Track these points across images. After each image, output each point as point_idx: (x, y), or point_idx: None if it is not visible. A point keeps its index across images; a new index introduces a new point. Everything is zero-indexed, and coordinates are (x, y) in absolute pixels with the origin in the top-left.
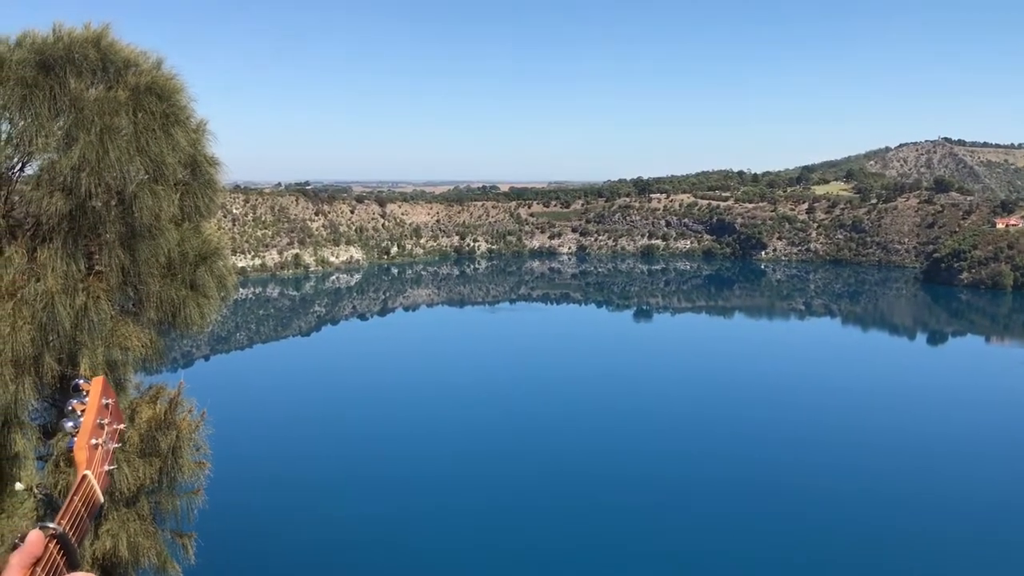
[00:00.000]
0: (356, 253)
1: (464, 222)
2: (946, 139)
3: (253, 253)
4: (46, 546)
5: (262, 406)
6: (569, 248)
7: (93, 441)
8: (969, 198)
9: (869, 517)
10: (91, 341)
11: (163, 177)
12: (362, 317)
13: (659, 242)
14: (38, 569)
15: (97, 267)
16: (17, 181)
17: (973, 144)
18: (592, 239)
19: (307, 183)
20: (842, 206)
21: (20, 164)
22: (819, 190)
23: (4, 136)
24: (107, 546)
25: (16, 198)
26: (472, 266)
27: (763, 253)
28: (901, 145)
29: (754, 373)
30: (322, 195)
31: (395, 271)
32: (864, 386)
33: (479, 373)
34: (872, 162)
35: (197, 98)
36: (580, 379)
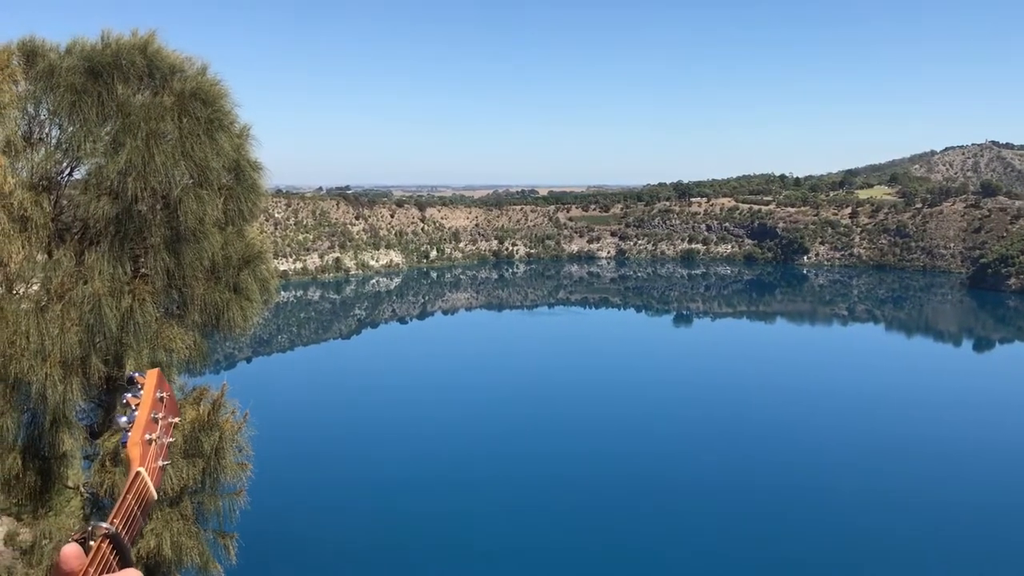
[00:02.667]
0: (396, 257)
1: (503, 226)
2: (993, 142)
3: (295, 257)
4: (99, 545)
5: (303, 408)
6: (608, 252)
7: (147, 436)
8: (1017, 202)
9: (918, 527)
10: (136, 343)
11: (207, 181)
12: (402, 320)
13: (699, 246)
14: (91, 570)
15: (143, 270)
16: (66, 185)
17: (1022, 147)
18: (631, 243)
19: (348, 187)
20: (886, 210)
21: (69, 169)
22: (862, 194)
23: (54, 141)
24: (151, 545)
25: (65, 202)
26: (511, 270)
27: (805, 258)
28: (946, 148)
29: (795, 377)
30: (362, 199)
31: (434, 275)
32: (908, 393)
33: (517, 376)
34: (917, 166)
35: (241, 103)
36: (618, 383)
